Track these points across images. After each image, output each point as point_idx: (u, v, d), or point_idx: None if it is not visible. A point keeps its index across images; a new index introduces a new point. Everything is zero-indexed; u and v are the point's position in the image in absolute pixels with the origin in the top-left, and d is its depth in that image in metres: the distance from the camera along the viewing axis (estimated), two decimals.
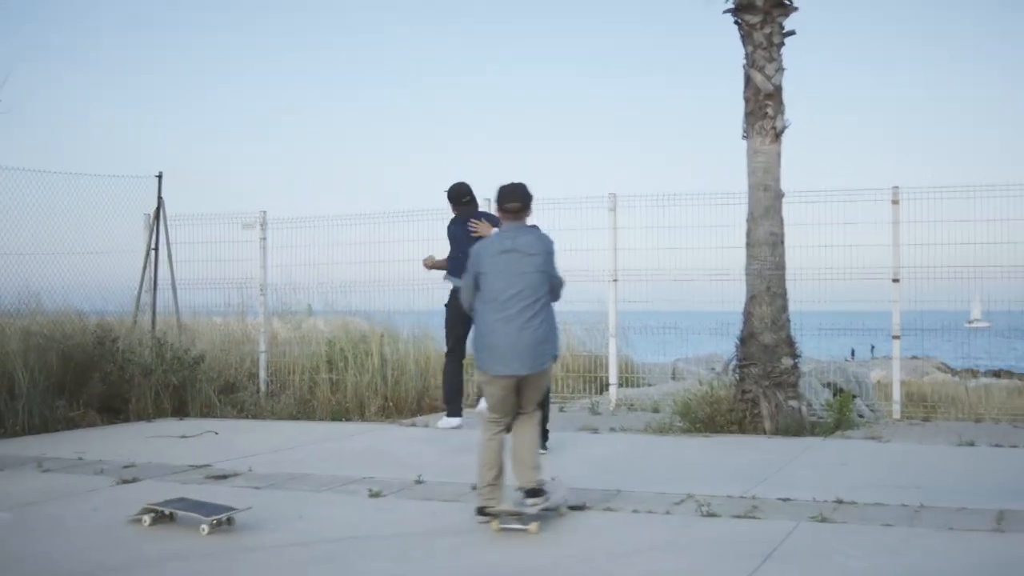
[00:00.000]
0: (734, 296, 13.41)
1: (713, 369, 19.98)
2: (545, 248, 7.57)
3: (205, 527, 6.93)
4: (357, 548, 6.61)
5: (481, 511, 7.34)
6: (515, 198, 7.61)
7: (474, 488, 7.72)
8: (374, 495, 8.17)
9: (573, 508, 7.58)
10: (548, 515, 7.31)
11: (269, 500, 8.07)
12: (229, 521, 7.05)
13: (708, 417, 11.51)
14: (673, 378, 17.72)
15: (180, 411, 13.82)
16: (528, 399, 7.51)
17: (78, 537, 7.02)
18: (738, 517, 7.27)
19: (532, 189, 7.67)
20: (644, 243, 14.07)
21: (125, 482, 8.85)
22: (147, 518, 7.22)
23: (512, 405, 7.47)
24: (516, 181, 7.71)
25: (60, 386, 13.05)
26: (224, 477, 9.05)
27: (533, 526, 7.06)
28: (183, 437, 11.62)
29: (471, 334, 7.96)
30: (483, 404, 7.77)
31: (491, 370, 7.37)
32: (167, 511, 7.21)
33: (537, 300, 7.42)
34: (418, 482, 8.68)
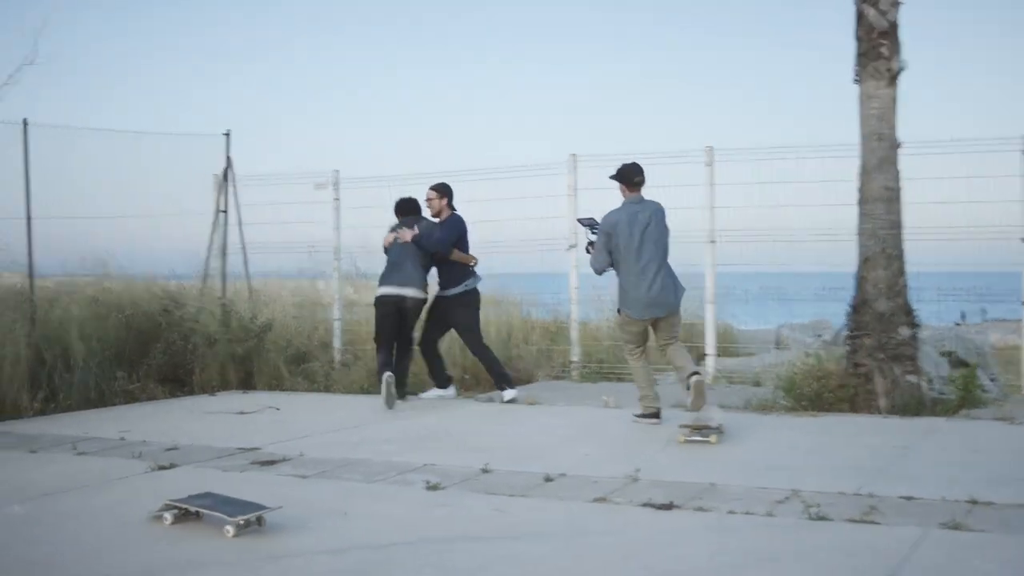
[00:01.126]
0: (843, 258, 12.24)
1: (820, 336, 18.75)
2: (664, 216, 9.77)
3: (230, 529, 6.00)
4: (399, 557, 5.61)
5: (643, 416, 9.76)
6: (640, 173, 9.84)
7: (639, 408, 9.85)
8: (432, 487, 7.18)
9: (661, 507, 6.52)
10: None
11: (314, 492, 7.14)
12: (259, 521, 6.12)
13: (815, 394, 10.33)
14: (777, 347, 16.50)
15: (246, 383, 13.02)
16: (667, 333, 9.82)
17: (89, 536, 6.14)
18: (853, 522, 6.12)
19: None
20: (744, 200, 12.89)
21: (161, 468, 7.98)
22: (168, 516, 6.32)
23: (646, 336, 9.88)
24: (632, 161, 9.89)
25: (121, 357, 12.31)
26: (271, 463, 8.13)
27: (713, 438, 8.59)
28: (241, 413, 10.78)
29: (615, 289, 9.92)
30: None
31: (638, 316, 9.68)
32: (191, 509, 6.29)
33: (664, 259, 9.69)
34: (485, 471, 7.68)
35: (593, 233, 9.91)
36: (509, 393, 11.34)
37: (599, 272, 9.91)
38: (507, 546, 5.81)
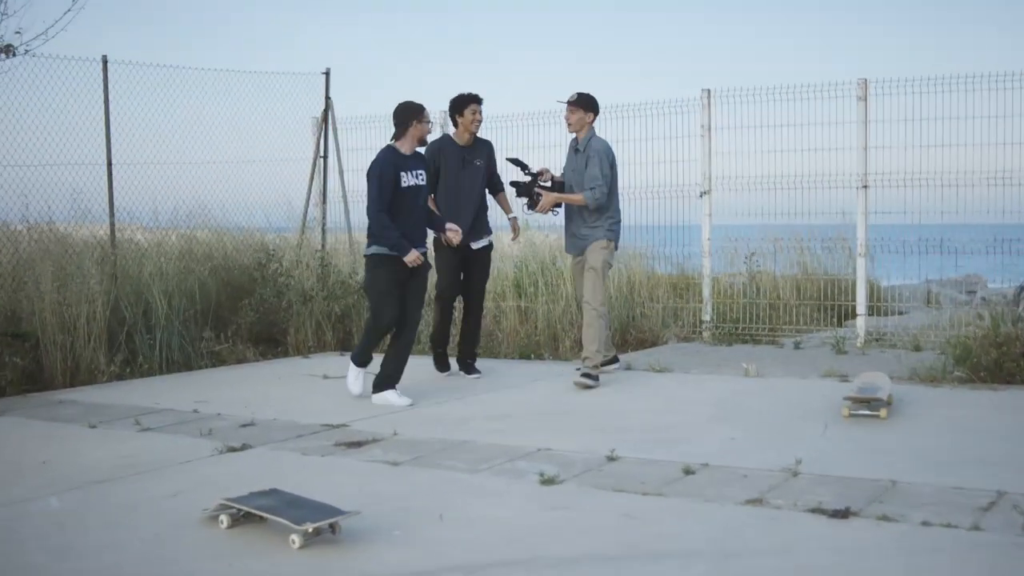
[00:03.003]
0: (1014, 205, 10.72)
1: (973, 292, 17.06)
2: None
3: (296, 539, 4.81)
4: None
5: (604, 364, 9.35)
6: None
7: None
8: (547, 481, 5.90)
9: (834, 514, 5.16)
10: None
11: (405, 485, 5.92)
12: (332, 529, 4.91)
13: (995, 363, 8.83)
14: (928, 304, 14.90)
15: (345, 344, 11.86)
16: None
17: (131, 541, 4.99)
18: None
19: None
20: (899, 140, 11.31)
21: (231, 450, 6.83)
22: (225, 518, 5.15)
23: None
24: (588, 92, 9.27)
25: (208, 315, 11.26)
26: (358, 444, 6.93)
27: (883, 412, 7.37)
28: (325, 378, 9.65)
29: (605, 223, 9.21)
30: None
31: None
32: (252, 511, 5.11)
33: None
34: (610, 459, 6.38)
35: (525, 174, 9.40)
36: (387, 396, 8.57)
37: (601, 206, 9.15)
38: (641, 570, 4.52)
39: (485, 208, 9.70)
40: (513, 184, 9.50)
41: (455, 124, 9.58)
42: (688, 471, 6.05)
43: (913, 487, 5.64)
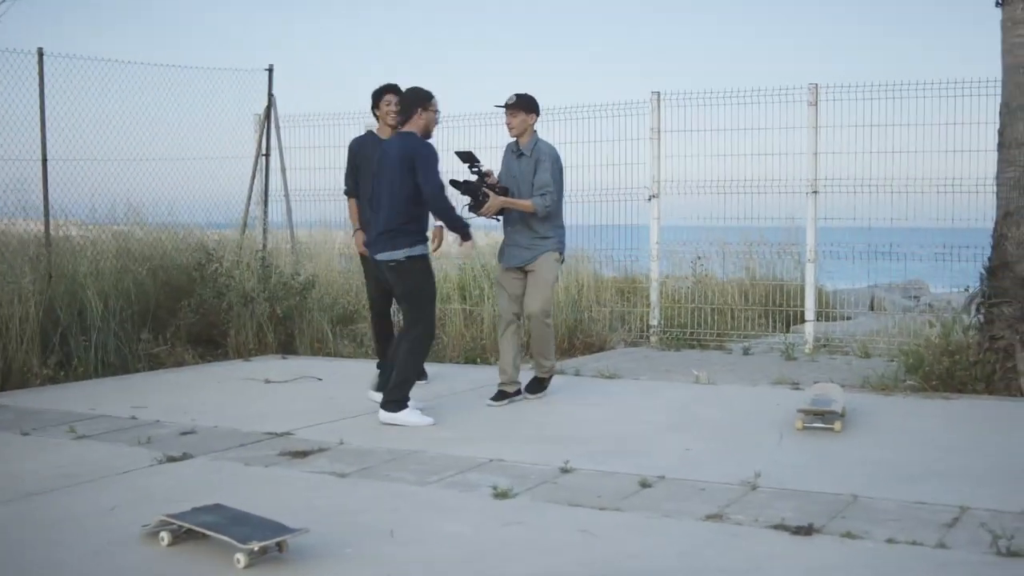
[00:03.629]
0: (963, 212, 10.75)
1: (915, 297, 17.13)
2: None
3: (241, 558, 4.59)
4: None
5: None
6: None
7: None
8: (501, 495, 5.71)
9: (797, 531, 5.02)
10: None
11: (352, 498, 5.72)
12: (279, 547, 4.69)
13: (946, 372, 8.78)
14: (872, 309, 14.93)
15: (287, 346, 11.63)
16: None
17: (68, 560, 4.73)
18: None
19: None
20: (849, 145, 11.26)
21: (172, 460, 6.57)
22: (166, 536, 4.91)
23: None
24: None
25: (146, 316, 10.95)
26: (304, 454, 6.70)
27: (837, 424, 7.20)
28: (267, 382, 9.40)
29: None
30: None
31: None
32: (194, 528, 4.88)
33: None
34: (565, 470, 6.22)
35: (473, 171, 8.44)
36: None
37: (550, 213, 8.45)
38: None
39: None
40: (454, 183, 8.43)
41: (376, 118, 9.02)
42: (645, 484, 5.90)
43: (874, 502, 5.52)
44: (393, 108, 8.50)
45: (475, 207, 8.46)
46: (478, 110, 12.48)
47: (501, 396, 8.51)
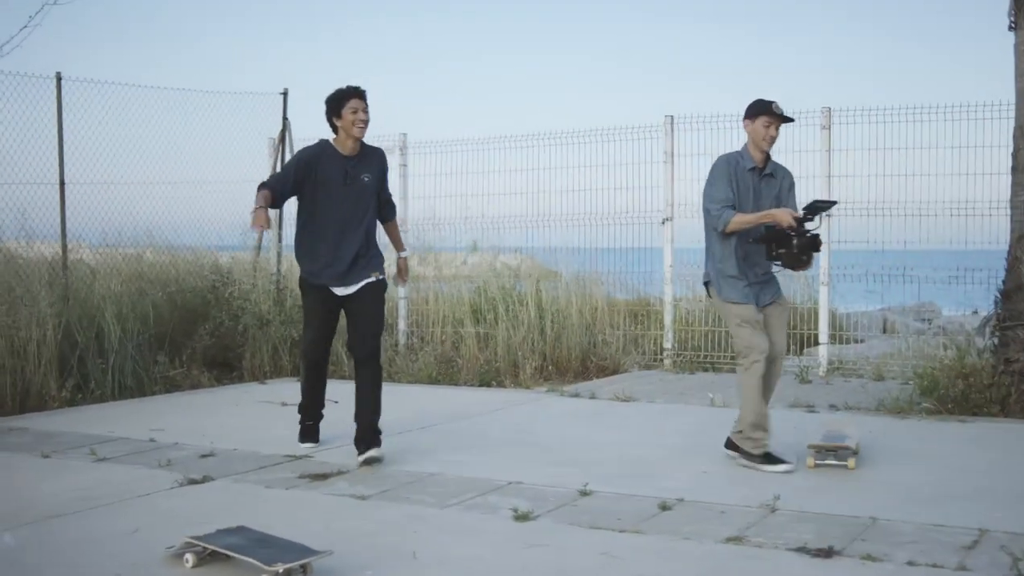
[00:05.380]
0: (976, 235, 10.78)
1: (927, 320, 17.11)
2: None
3: None
4: None
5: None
6: None
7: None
8: (521, 517, 5.74)
9: (818, 553, 5.04)
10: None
11: (374, 520, 5.74)
12: (303, 570, 4.72)
13: (961, 395, 8.79)
14: (884, 332, 14.92)
15: None
16: None
17: None
18: None
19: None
20: (864, 169, 11.30)
21: (192, 482, 6.61)
22: (190, 557, 4.94)
23: None
24: None
25: (163, 339, 11.00)
26: (324, 477, 6.74)
27: (851, 462, 6.84)
28: (284, 405, 9.43)
29: None
30: None
31: None
32: (219, 549, 4.92)
33: None
34: (584, 493, 6.24)
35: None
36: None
37: None
38: None
39: (374, 239, 7.40)
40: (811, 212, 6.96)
41: (334, 129, 7.23)
42: (664, 507, 5.92)
43: (893, 524, 5.54)
44: (362, 116, 7.13)
45: (804, 263, 7.04)
46: (494, 133, 12.55)
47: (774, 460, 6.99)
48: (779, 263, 7.00)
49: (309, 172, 7.18)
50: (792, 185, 7.24)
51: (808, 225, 6.87)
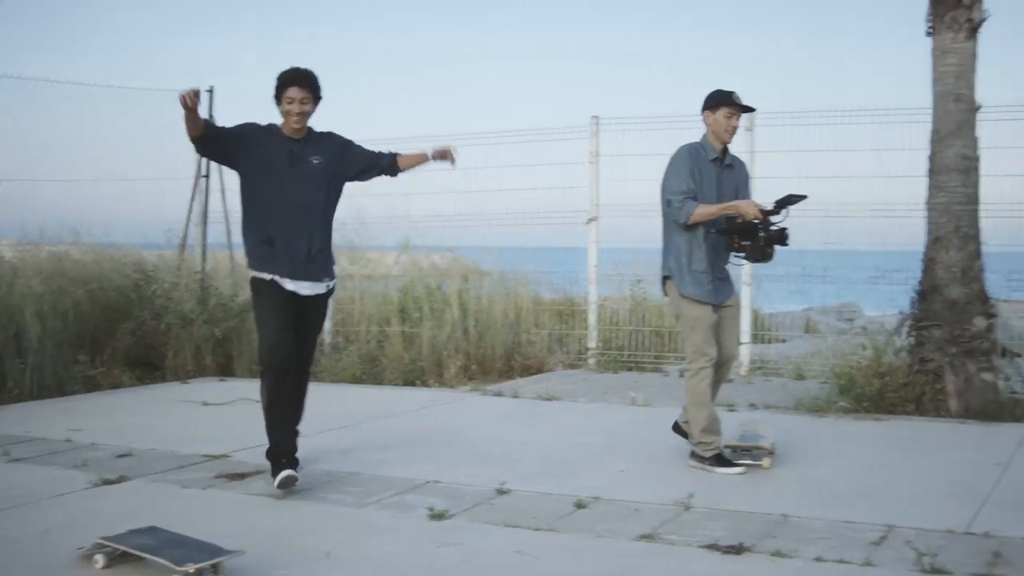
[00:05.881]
0: (895, 236, 10.94)
1: (849, 320, 17.35)
2: None
3: None
4: None
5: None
6: None
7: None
8: (437, 516, 5.76)
9: (728, 550, 5.11)
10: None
11: (289, 519, 5.73)
12: (215, 570, 4.71)
13: (877, 393, 8.94)
14: (807, 331, 15.11)
15: (225, 368, 11.60)
16: None
17: None
18: None
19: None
20: (786, 171, 11.44)
21: (107, 482, 6.55)
22: (100, 558, 4.91)
23: None
24: None
25: (84, 337, 10.88)
26: (241, 476, 6.72)
27: (766, 461, 6.88)
28: (204, 405, 9.36)
29: None
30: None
31: None
32: (130, 550, 4.89)
33: None
34: (501, 491, 6.28)
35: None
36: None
37: None
38: None
39: (330, 232, 6.82)
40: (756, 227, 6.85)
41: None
42: (580, 505, 5.97)
43: (804, 521, 5.62)
44: (297, 109, 6.41)
45: (767, 255, 7.01)
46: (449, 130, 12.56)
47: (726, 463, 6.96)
48: (742, 255, 6.99)
49: (245, 142, 6.43)
50: (748, 177, 7.32)
51: (774, 218, 6.89)
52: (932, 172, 9.18)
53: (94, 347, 10.94)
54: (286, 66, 6.54)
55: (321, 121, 6.71)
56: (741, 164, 7.29)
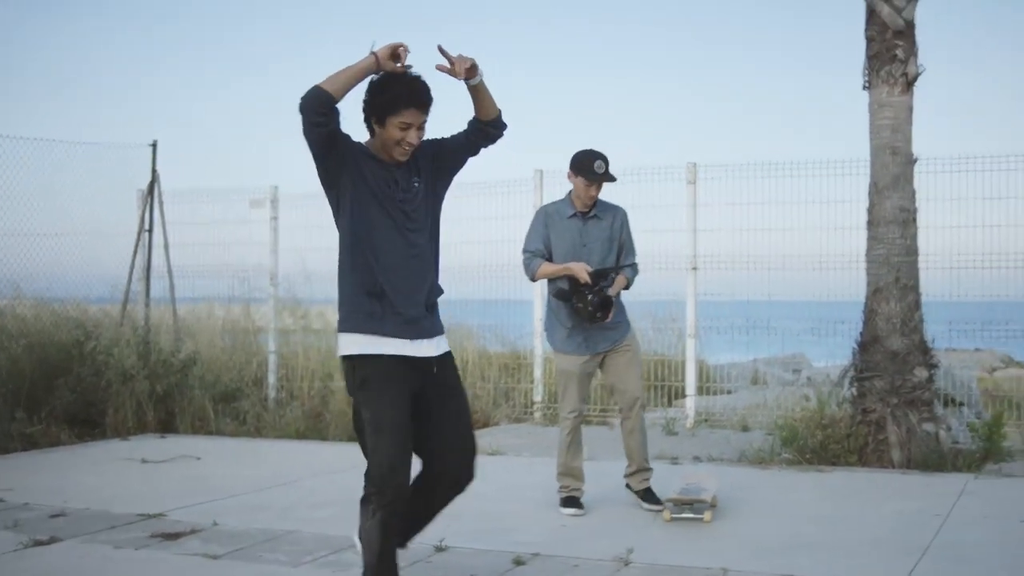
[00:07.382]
0: (837, 288, 11.02)
1: (797, 371, 17.42)
2: None
3: None
4: None
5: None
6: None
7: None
8: None
9: None
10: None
11: None
12: None
13: (820, 445, 8.95)
14: (754, 383, 15.15)
15: (167, 425, 11.45)
16: None
17: None
18: None
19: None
20: (729, 223, 11.53)
21: (39, 543, 6.41)
22: None
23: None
24: None
25: (20, 395, 10.70)
26: (176, 536, 6.59)
27: (707, 515, 6.83)
28: (143, 462, 9.23)
29: None
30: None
31: None
32: None
33: None
34: (439, 549, 6.21)
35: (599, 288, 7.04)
36: None
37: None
38: None
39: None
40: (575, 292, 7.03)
41: (371, 132, 4.70)
42: (519, 561, 5.91)
43: (743, 575, 5.59)
44: (412, 139, 4.65)
45: (604, 315, 7.03)
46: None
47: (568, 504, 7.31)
48: (580, 316, 7.08)
49: (350, 157, 4.65)
50: (624, 223, 7.38)
51: (604, 283, 7.05)
52: (871, 224, 9.25)
53: (32, 404, 10.75)
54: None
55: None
56: (616, 210, 7.37)
